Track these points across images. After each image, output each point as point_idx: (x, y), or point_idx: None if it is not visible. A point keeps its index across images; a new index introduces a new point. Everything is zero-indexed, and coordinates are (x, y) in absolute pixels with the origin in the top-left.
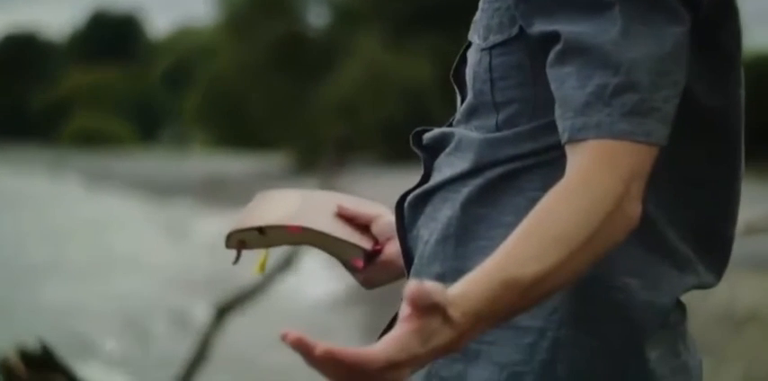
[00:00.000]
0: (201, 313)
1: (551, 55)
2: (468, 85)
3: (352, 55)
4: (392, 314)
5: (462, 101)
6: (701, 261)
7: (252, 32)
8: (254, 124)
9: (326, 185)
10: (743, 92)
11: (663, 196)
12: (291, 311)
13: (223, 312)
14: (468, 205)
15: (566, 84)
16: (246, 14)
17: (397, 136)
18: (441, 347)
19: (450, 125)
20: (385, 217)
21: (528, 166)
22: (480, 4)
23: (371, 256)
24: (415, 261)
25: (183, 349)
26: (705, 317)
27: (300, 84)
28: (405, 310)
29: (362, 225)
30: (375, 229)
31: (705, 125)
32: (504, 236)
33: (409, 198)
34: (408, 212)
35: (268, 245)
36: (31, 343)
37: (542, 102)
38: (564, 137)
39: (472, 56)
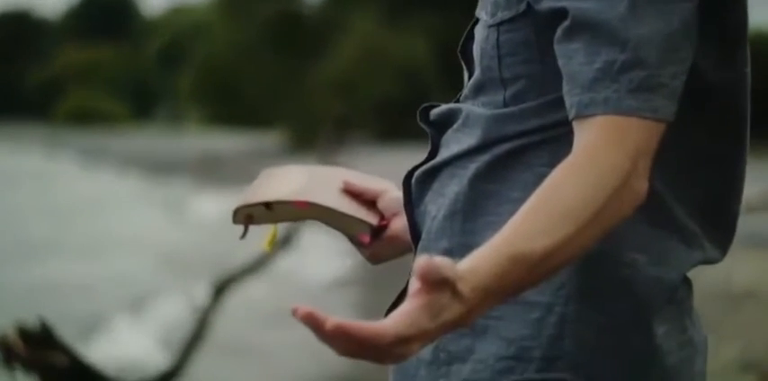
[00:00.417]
0: (200, 291)
1: (559, 31)
2: (475, 61)
3: (348, 33)
4: (388, 295)
5: (469, 78)
6: (707, 236)
7: (247, 10)
8: (249, 102)
9: (325, 163)
10: (749, 69)
11: (670, 172)
12: (288, 291)
13: (221, 290)
14: (476, 181)
15: (573, 60)
16: None
17: (393, 114)
18: (450, 322)
19: (458, 101)
20: (391, 193)
21: (535, 142)
22: None
23: (377, 231)
24: (423, 236)
25: (182, 327)
26: (703, 295)
27: (296, 63)
28: (414, 285)
29: (368, 201)
30: (381, 204)
31: (712, 102)
32: (512, 212)
33: (416, 173)
34: (415, 188)
35: (275, 221)
36: (31, 321)
37: (550, 79)
38: (571, 113)
39: (479, 32)
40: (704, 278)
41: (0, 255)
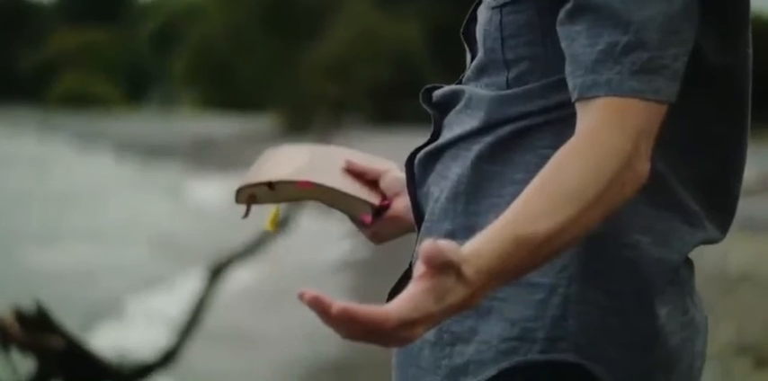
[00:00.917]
0: (198, 275)
1: (562, 13)
2: (478, 43)
3: (341, 16)
4: (384, 279)
5: (472, 59)
6: (708, 216)
7: None
8: (242, 85)
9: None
10: (750, 51)
11: (672, 153)
12: (283, 275)
13: (216, 273)
14: (479, 162)
15: (576, 42)
16: None
17: (386, 97)
18: (455, 305)
19: (460, 82)
20: (393, 173)
21: (538, 124)
22: None
23: (379, 211)
24: (426, 217)
25: (181, 312)
26: (698, 278)
27: (289, 46)
28: (419, 269)
29: (370, 181)
30: (383, 184)
31: (714, 83)
32: (515, 194)
33: (419, 155)
34: (418, 169)
35: (277, 200)
36: (28, 305)
37: (552, 60)
38: (574, 95)
39: (482, 14)
40: (700, 260)
41: None
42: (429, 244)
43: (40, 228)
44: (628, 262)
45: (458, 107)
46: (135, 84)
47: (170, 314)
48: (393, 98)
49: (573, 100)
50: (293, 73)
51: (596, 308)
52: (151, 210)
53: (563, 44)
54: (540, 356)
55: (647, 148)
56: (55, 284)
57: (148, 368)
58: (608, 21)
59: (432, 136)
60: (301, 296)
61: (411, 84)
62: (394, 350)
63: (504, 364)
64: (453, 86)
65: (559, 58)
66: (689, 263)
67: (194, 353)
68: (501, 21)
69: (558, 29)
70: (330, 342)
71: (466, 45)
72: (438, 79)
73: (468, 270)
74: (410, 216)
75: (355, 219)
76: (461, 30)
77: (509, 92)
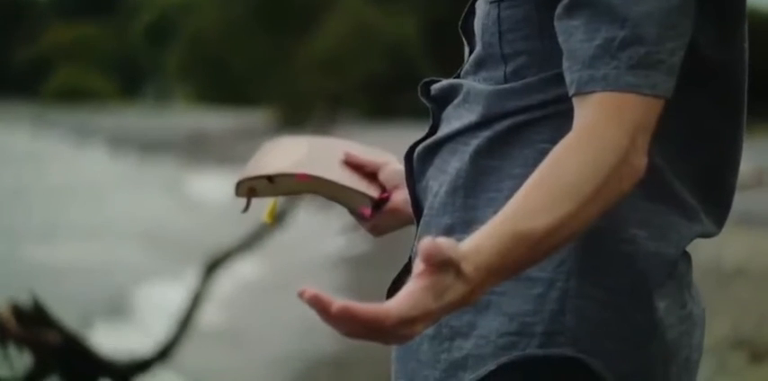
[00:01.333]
0: (194, 270)
1: (559, 8)
2: (476, 37)
3: (336, 10)
4: (379, 273)
5: (470, 53)
6: (705, 211)
7: None
8: (237, 80)
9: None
10: (747, 45)
11: (669, 147)
12: (278, 270)
13: (212, 269)
14: (478, 157)
15: (573, 36)
16: None
17: (381, 91)
18: (454, 301)
19: (458, 76)
20: (392, 165)
21: (536, 118)
22: None
23: (378, 204)
24: (425, 212)
25: (176, 306)
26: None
27: (284, 40)
28: (418, 266)
29: (369, 173)
30: (382, 177)
31: (710, 78)
32: (513, 188)
33: (418, 149)
34: (417, 163)
35: (277, 194)
36: (24, 300)
37: (550, 55)
38: (571, 90)
39: (480, 8)
40: (695, 255)
41: None
42: (428, 242)
43: (37, 224)
44: (625, 257)
45: (456, 101)
46: (129, 79)
47: (168, 309)
48: (388, 92)
49: (570, 95)
50: (288, 67)
51: (594, 302)
52: (148, 205)
53: (560, 39)
54: (538, 350)
55: (644, 143)
56: (52, 280)
57: (145, 364)
58: (605, 16)
59: (430, 129)
60: (301, 295)
61: (406, 78)
62: (393, 345)
63: (503, 359)
64: (451, 80)
65: (557, 53)
66: (687, 257)
67: (191, 349)
68: (499, 15)
69: (556, 23)
70: (327, 338)
71: (464, 39)
72: (433, 73)
73: (468, 268)
74: (409, 208)
75: (354, 212)
76: (460, 23)
77: (507, 86)
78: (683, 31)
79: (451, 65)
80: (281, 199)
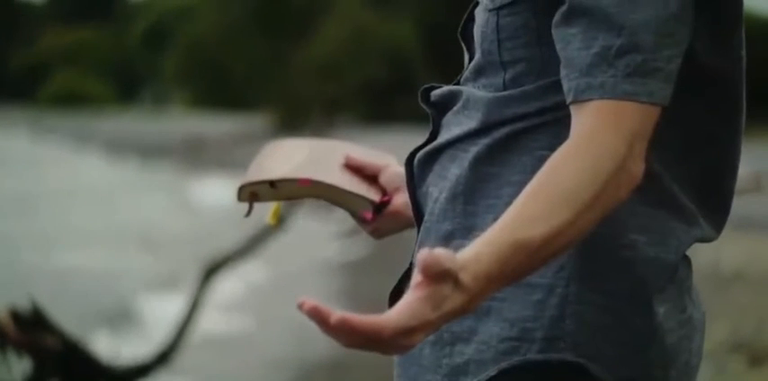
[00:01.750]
0: (193, 275)
1: (557, 16)
2: (476, 44)
3: (333, 15)
4: (376, 279)
5: (470, 60)
6: (703, 215)
7: None
8: (234, 84)
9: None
10: (744, 52)
11: (667, 153)
12: (277, 275)
13: (210, 274)
14: (477, 164)
15: (571, 44)
16: None
17: (379, 95)
18: (453, 311)
19: (458, 83)
20: (392, 167)
21: (534, 125)
22: None
23: (380, 207)
24: (425, 218)
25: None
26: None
27: (281, 44)
28: (416, 277)
29: (370, 176)
30: (383, 179)
31: (708, 84)
32: (513, 195)
33: (418, 155)
34: (418, 169)
35: (279, 198)
36: (23, 305)
37: (549, 62)
38: (569, 98)
39: (480, 15)
40: (694, 259)
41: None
42: (425, 254)
43: (37, 229)
44: (625, 262)
45: (456, 107)
46: (127, 83)
47: (168, 313)
48: (386, 96)
49: (567, 102)
50: (286, 72)
51: (594, 308)
52: (148, 210)
53: (558, 47)
54: (538, 355)
55: (642, 150)
56: (52, 285)
57: (145, 368)
58: (602, 24)
59: (430, 135)
60: (300, 306)
61: (404, 82)
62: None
63: (504, 364)
64: (451, 87)
65: (555, 60)
66: (687, 261)
67: (190, 352)
68: (498, 23)
69: (554, 31)
70: (325, 341)
71: (464, 46)
72: (430, 77)
73: (466, 278)
74: (410, 211)
75: (356, 216)
76: (459, 30)
77: (506, 93)
78: (680, 38)
79: (449, 69)
80: (282, 205)
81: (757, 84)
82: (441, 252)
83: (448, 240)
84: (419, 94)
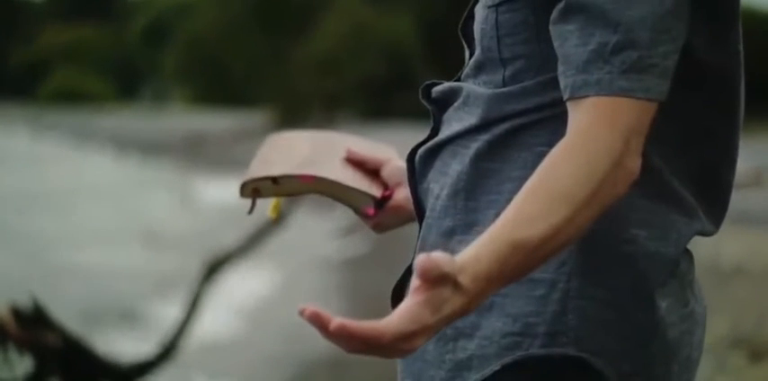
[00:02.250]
0: (195, 273)
1: (554, 12)
2: (476, 41)
3: (333, 11)
4: (377, 277)
5: (470, 56)
6: (703, 209)
7: None
8: (234, 81)
9: None
10: (741, 47)
11: (666, 147)
12: (277, 272)
13: (212, 271)
14: (477, 160)
15: (568, 41)
16: None
17: (378, 91)
18: (452, 314)
19: (459, 79)
20: (394, 162)
21: (533, 121)
22: None
23: (381, 202)
24: (427, 214)
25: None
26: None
27: (280, 41)
28: (415, 282)
29: (372, 170)
30: (384, 174)
31: (705, 79)
32: (514, 190)
33: (420, 151)
34: (419, 165)
35: (281, 194)
36: (24, 302)
37: (548, 58)
38: (565, 95)
39: (479, 12)
40: (693, 254)
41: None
42: (423, 258)
43: (39, 227)
44: (626, 257)
45: (456, 104)
46: (126, 81)
47: (170, 310)
48: (385, 92)
49: (564, 99)
50: (285, 68)
51: (596, 302)
52: (149, 207)
53: (555, 43)
54: (541, 350)
55: (638, 146)
56: (54, 282)
57: (146, 366)
58: (599, 21)
59: (431, 132)
60: (301, 313)
61: (403, 78)
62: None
63: (507, 359)
64: (452, 83)
65: (554, 57)
66: (689, 255)
67: (191, 350)
68: (497, 19)
69: (551, 28)
70: (323, 339)
71: (464, 42)
72: (430, 73)
73: (465, 280)
74: (411, 206)
75: (358, 211)
76: (459, 27)
77: (505, 89)
78: (676, 34)
79: (448, 65)
80: (282, 199)
81: (756, 79)
82: (439, 256)
83: (449, 236)
84: (420, 91)
